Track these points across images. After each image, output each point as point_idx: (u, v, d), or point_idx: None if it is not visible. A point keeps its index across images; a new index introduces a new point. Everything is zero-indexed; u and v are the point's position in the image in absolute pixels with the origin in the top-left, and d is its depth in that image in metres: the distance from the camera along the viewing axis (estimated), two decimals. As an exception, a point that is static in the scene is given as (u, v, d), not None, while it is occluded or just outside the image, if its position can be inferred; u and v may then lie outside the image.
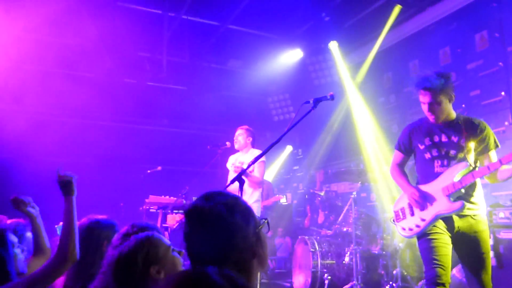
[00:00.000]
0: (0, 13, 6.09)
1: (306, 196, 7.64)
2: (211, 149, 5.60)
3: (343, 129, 7.94)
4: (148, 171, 6.94)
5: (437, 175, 3.13)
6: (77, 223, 2.21)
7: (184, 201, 5.01)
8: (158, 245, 1.73)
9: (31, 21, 6.30)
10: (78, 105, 7.69)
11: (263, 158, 4.96)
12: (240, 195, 2.71)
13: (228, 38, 7.76)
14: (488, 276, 2.98)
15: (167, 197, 5.42)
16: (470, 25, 5.85)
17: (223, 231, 1.36)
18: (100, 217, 2.36)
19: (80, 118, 8.07)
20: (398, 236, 5.26)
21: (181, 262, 1.81)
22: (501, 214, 4.01)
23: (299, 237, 6.06)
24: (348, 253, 5.39)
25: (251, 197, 4.99)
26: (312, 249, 5.52)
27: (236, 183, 2.79)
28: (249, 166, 3.13)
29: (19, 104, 7.19)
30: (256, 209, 4.96)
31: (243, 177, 2.86)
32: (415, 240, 5.18)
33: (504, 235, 3.91)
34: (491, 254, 3.85)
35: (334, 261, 5.48)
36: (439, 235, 3.02)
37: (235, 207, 1.41)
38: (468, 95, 5.78)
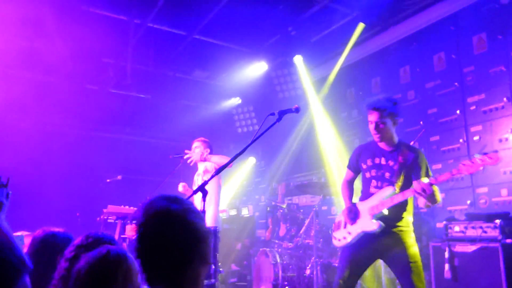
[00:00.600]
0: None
1: (268, 209, 7.63)
2: (173, 158, 5.52)
3: (306, 142, 8.03)
4: (108, 180, 6.74)
5: (370, 194, 3.47)
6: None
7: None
8: (133, 263, 1.62)
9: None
10: (35, 109, 7.40)
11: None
12: (203, 206, 2.68)
13: (194, 48, 7.72)
14: (422, 284, 3.19)
15: (127, 207, 5.28)
16: (429, 46, 6.11)
17: (186, 233, 1.34)
18: (56, 229, 2.25)
19: (37, 123, 7.77)
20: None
21: None
22: (456, 228, 4.15)
23: (260, 249, 6.03)
24: (309, 265, 5.42)
25: (209, 207, 4.93)
26: (273, 262, 5.51)
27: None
28: (212, 177, 3.09)
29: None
30: (213, 219, 4.91)
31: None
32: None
33: (459, 248, 4.04)
34: (446, 267, 3.98)
35: (295, 274, 5.48)
36: (361, 251, 3.38)
37: (195, 211, 1.41)
38: (426, 113, 5.99)
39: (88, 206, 6.51)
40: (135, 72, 7.79)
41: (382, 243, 3.33)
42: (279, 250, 5.79)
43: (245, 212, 8.19)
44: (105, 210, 5.28)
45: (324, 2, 6.32)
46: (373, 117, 3.42)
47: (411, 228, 3.41)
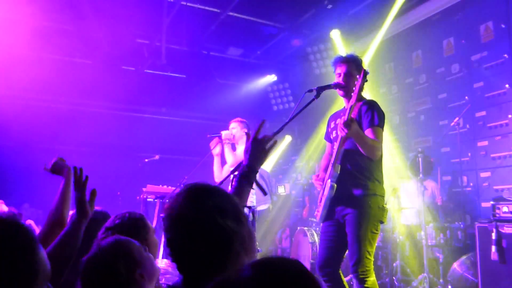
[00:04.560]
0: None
1: (305, 187, 7.57)
2: (210, 137, 5.50)
3: (344, 120, 7.84)
4: (146, 160, 6.85)
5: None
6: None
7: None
8: (132, 248, 1.59)
9: (28, 6, 6.16)
10: (75, 92, 7.57)
11: None
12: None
13: (228, 26, 7.61)
14: (362, 262, 2.98)
15: (165, 186, 5.34)
16: (475, 15, 5.75)
17: (217, 239, 1.27)
18: (95, 208, 2.29)
19: (76, 105, 7.95)
20: (399, 228, 5.22)
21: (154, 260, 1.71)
22: (505, 209, 3.95)
23: (298, 228, 6.01)
24: (348, 245, 5.34)
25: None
26: (311, 241, 5.47)
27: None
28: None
29: (13, 90, 7.06)
30: (251, 200, 4.89)
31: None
32: (415, 233, 5.15)
33: (508, 229, 3.85)
34: (493, 248, 3.82)
35: (333, 253, 5.43)
36: (332, 229, 3.22)
37: (227, 210, 1.32)
38: (471, 87, 5.70)
39: (128, 185, 6.66)
40: (169, 51, 7.78)
41: (341, 210, 3.14)
42: (317, 229, 5.74)
43: (281, 190, 8.16)
44: (144, 189, 5.36)
45: (362, -28, 6.05)
46: (341, 69, 3.33)
47: (372, 192, 3.12)
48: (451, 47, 6.15)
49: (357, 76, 3.11)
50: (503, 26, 5.34)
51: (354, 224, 3.05)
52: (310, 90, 3.14)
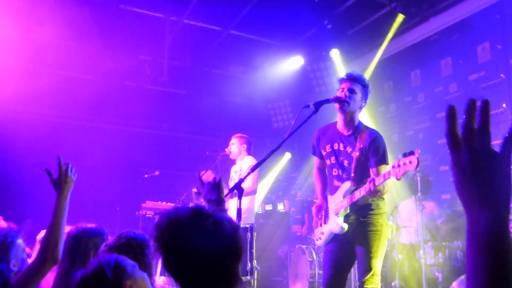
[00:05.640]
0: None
1: (304, 204, 7.57)
2: (210, 154, 5.54)
3: (343, 138, 7.88)
4: (146, 176, 6.87)
5: (335, 188, 3.30)
6: (65, 223, 2.19)
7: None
8: (139, 276, 1.51)
9: (34, 21, 6.28)
10: (77, 107, 7.63)
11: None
12: (239, 204, 2.66)
13: (229, 44, 7.73)
14: (372, 279, 3.04)
15: (164, 203, 5.37)
16: (472, 36, 5.84)
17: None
18: (89, 225, 2.30)
19: (78, 120, 8.02)
20: (397, 247, 5.21)
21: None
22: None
23: (297, 246, 6.00)
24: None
25: (244, 206, 4.93)
26: (309, 259, 5.46)
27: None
28: (247, 175, 3.05)
29: (16, 104, 7.13)
30: (248, 217, 4.90)
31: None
32: (413, 252, 5.14)
33: None
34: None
35: (331, 271, 5.41)
36: (337, 249, 3.22)
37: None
38: (469, 106, 5.75)
39: (127, 201, 6.68)
40: (171, 68, 7.88)
41: (353, 234, 3.18)
42: (316, 247, 5.73)
43: (280, 207, 8.15)
44: (143, 205, 5.39)
45: (361, -7, 6.17)
46: (346, 84, 3.31)
47: (382, 211, 3.21)
48: (449, 66, 6.23)
49: (358, 97, 3.19)
50: (499, 47, 5.43)
51: (367, 242, 3.11)
52: (307, 106, 3.12)
